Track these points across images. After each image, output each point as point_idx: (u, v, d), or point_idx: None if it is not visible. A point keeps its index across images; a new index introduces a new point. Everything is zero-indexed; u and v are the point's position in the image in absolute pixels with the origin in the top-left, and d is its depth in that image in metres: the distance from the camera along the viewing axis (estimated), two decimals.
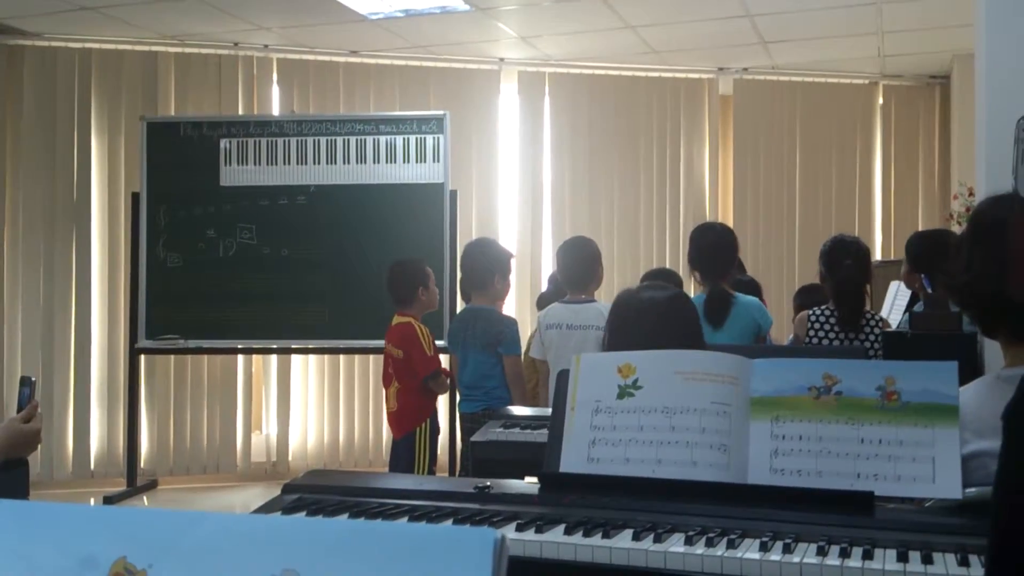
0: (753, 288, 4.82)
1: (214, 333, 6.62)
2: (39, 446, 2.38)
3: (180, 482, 7.18)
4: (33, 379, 2.40)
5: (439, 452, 5.08)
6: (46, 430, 6.87)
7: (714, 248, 4.18)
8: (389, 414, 4.95)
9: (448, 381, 5.06)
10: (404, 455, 4.77)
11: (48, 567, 0.88)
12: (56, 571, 0.87)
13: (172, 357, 7.06)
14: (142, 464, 7.02)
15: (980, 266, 1.89)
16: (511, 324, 4.68)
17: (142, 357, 6.85)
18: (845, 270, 4.07)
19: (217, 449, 7.27)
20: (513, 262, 4.94)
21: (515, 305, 7.35)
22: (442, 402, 7.04)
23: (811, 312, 4.20)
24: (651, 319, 2.38)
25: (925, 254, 4.19)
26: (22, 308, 7.06)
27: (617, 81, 7.87)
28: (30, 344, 7.04)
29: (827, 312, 4.14)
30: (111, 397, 7.14)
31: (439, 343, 5.16)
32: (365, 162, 6.55)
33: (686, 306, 2.49)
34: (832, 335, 4.08)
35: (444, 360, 5.18)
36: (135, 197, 6.70)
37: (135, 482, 6.79)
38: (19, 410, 2.30)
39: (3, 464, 2.23)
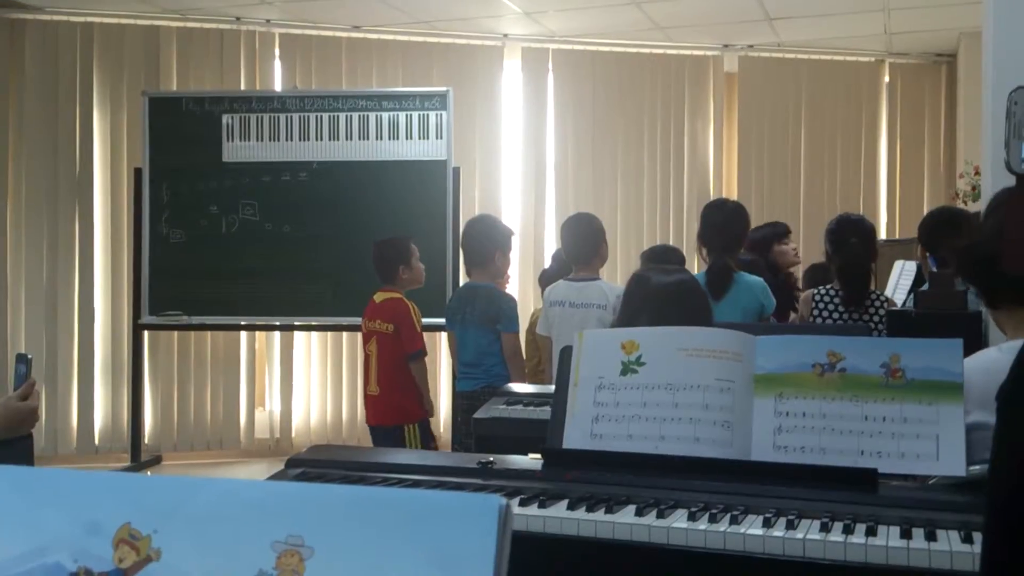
0: (757, 268, 4.80)
1: (217, 309, 6.62)
2: (39, 423, 2.39)
3: (184, 458, 7.21)
4: (30, 356, 2.39)
5: (441, 431, 5.03)
6: (51, 406, 6.93)
7: (722, 225, 4.18)
8: (368, 397, 4.85)
9: (424, 370, 4.90)
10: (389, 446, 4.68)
11: (53, 533, 0.88)
12: (61, 537, 0.88)
13: (175, 333, 7.06)
14: (146, 440, 7.04)
15: (986, 235, 1.91)
16: (510, 301, 4.68)
17: (145, 333, 6.86)
18: (851, 248, 4.06)
19: (221, 425, 7.29)
20: (513, 239, 4.94)
21: (518, 282, 7.35)
22: (444, 380, 7.09)
23: (815, 291, 4.20)
24: (662, 301, 2.41)
25: (932, 232, 4.19)
26: (25, 284, 7.06)
27: (621, 58, 7.83)
28: (34, 320, 7.04)
29: (831, 291, 4.13)
30: (115, 373, 7.15)
31: (439, 321, 5.15)
32: (368, 138, 6.53)
33: (696, 289, 2.55)
34: (837, 314, 4.07)
35: (440, 339, 5.15)
36: (138, 172, 6.68)
37: (139, 457, 6.81)
38: (16, 388, 2.30)
39: (1, 442, 2.23)
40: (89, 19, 7.11)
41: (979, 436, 1.80)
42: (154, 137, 6.62)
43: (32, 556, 0.88)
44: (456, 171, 6.47)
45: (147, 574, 0.86)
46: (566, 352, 2.13)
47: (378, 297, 4.85)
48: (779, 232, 5.36)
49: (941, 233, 4.06)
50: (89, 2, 6.93)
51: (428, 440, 4.82)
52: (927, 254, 4.14)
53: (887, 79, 8.04)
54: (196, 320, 6.66)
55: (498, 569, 0.76)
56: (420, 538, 0.79)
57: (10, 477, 0.92)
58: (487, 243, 4.67)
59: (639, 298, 2.49)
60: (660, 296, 2.44)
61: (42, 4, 6.96)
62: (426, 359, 4.90)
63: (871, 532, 1.58)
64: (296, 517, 0.83)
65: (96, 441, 7.12)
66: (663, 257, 4.70)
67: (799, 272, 5.68)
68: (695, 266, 5.68)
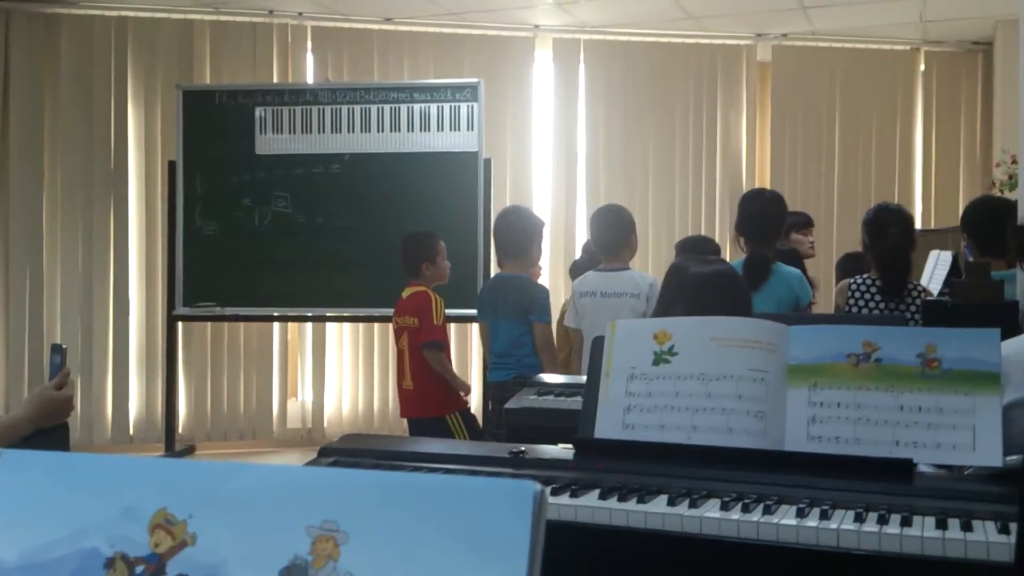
0: (793, 258, 4.76)
1: (250, 300, 6.67)
2: (74, 412, 2.41)
3: (217, 448, 7.27)
4: (64, 347, 2.40)
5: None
6: (86, 396, 7.01)
7: (759, 215, 4.15)
8: (403, 391, 4.88)
9: (448, 360, 4.92)
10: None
11: (89, 518, 0.89)
12: (97, 521, 0.88)
13: (209, 324, 7.13)
14: (180, 430, 7.11)
15: None
16: (542, 291, 4.67)
17: (179, 324, 6.92)
18: (891, 239, 4.01)
19: (254, 415, 7.34)
20: (544, 230, 4.93)
21: (549, 273, 7.34)
22: (476, 371, 7.09)
23: (852, 281, 4.15)
24: (698, 290, 2.39)
25: (973, 219, 4.16)
26: (61, 275, 7.14)
27: (653, 48, 7.79)
28: (69, 311, 7.13)
29: (868, 281, 4.09)
30: (149, 363, 7.22)
31: (470, 312, 5.14)
32: (399, 130, 6.55)
33: (735, 278, 2.53)
34: (873, 304, 4.03)
35: (471, 329, 5.16)
36: (171, 165, 6.74)
37: (173, 447, 6.88)
38: (51, 378, 2.32)
39: (37, 431, 2.26)
40: (123, 13, 7.17)
41: (1020, 414, 1.78)
42: (188, 130, 6.67)
43: (69, 541, 0.89)
44: (487, 162, 6.47)
45: (183, 559, 0.86)
46: (598, 342, 2.12)
47: (405, 293, 4.89)
48: (799, 222, 5.30)
49: (986, 221, 4.03)
50: None
51: (473, 428, 4.81)
52: (969, 242, 4.10)
53: (923, 68, 7.95)
54: (229, 311, 6.72)
55: (533, 553, 0.76)
56: (455, 523, 0.79)
57: (46, 463, 0.93)
58: (521, 234, 4.66)
59: (675, 288, 2.48)
60: (696, 286, 2.42)
61: None
62: (451, 350, 4.90)
63: (906, 522, 1.56)
64: (331, 503, 0.83)
65: (131, 431, 7.20)
66: (697, 247, 4.67)
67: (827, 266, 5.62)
68: (730, 256, 5.64)
